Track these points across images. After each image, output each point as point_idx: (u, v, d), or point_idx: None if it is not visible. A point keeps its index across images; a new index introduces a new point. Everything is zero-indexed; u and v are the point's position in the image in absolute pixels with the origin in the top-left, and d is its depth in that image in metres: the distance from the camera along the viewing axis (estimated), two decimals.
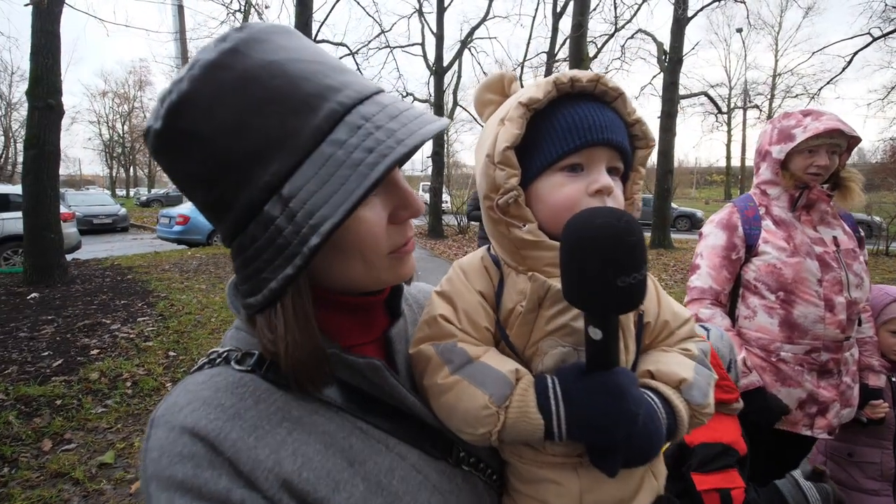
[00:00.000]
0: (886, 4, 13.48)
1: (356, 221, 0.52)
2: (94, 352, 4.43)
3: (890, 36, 13.51)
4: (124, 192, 45.62)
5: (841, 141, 1.66)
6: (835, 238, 1.71)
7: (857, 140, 1.68)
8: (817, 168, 1.66)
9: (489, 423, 0.57)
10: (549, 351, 0.63)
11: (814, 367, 1.67)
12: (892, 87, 23.21)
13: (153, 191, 37.85)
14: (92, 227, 15.10)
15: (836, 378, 1.68)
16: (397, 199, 0.57)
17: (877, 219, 12.89)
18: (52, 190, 6.67)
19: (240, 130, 0.47)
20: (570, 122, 0.61)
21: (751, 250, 1.76)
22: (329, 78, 0.50)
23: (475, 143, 0.73)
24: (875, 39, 12.83)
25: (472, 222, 6.23)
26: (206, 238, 11.82)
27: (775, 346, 1.71)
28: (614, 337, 0.54)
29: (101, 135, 42.74)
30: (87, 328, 5.10)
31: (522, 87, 0.68)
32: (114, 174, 45.42)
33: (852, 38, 14.86)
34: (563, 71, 0.63)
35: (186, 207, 12.44)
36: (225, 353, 0.55)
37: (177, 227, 11.93)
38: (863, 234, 1.83)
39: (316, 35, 12.79)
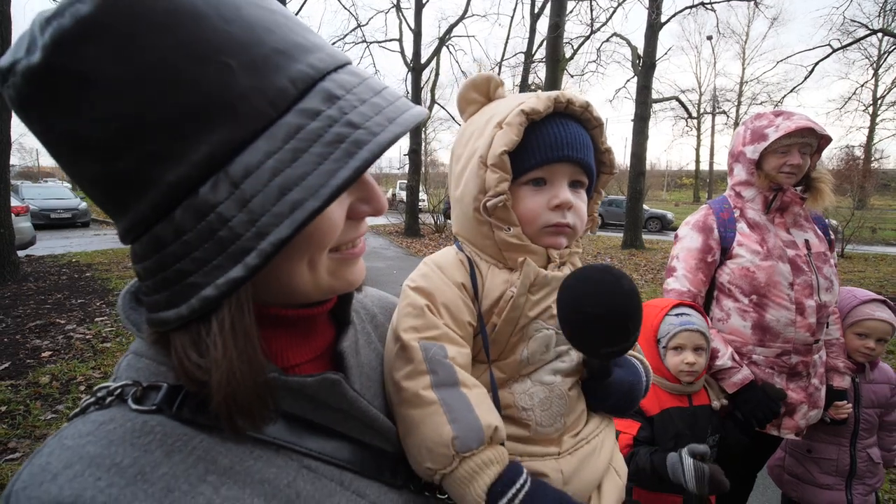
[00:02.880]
0: (845, 18, 14.16)
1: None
2: (46, 354, 4.18)
3: (848, 48, 14.20)
4: None
5: (812, 140, 1.68)
6: (807, 241, 1.72)
7: (827, 140, 1.70)
8: (790, 167, 1.67)
9: (440, 463, 0.54)
10: (534, 335, 0.67)
11: (784, 370, 1.69)
12: (849, 98, 24.55)
13: None
14: (49, 221, 14.26)
15: (804, 380, 1.69)
16: (359, 192, 0.49)
17: (833, 222, 13.55)
18: (1, 182, 6.26)
19: (167, 82, 0.35)
20: (542, 139, 0.66)
21: (725, 253, 1.76)
22: (297, 35, 0.41)
23: (453, 141, 0.77)
24: (835, 50, 13.44)
25: (450, 220, 6.19)
26: None
27: (748, 348, 1.71)
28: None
29: None
30: (38, 329, 4.82)
31: (506, 95, 0.73)
32: None
33: (814, 48, 15.66)
34: (563, 91, 0.69)
35: None
36: (119, 390, 0.43)
37: None
38: (833, 237, 1.85)
39: None
